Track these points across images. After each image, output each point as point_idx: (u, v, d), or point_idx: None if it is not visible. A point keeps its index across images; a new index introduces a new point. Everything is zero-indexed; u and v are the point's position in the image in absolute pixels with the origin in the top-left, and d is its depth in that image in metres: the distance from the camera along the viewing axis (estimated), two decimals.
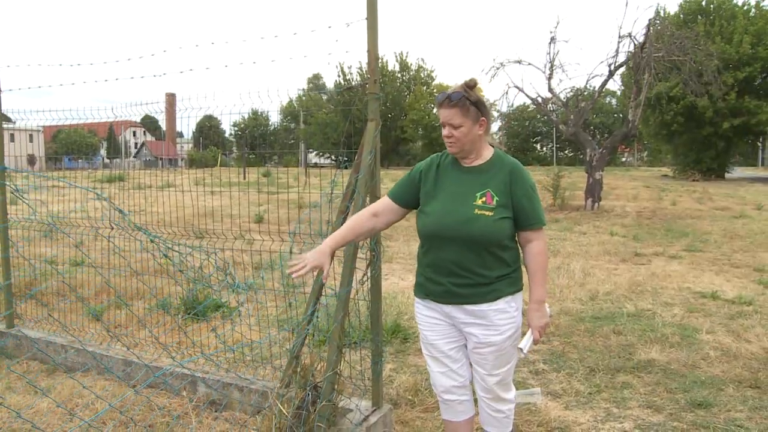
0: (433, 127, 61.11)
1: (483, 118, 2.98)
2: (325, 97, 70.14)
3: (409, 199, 3.19)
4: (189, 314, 6.50)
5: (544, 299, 3.03)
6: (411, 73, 69.39)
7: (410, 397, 4.60)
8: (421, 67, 70.01)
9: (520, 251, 3.09)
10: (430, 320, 3.19)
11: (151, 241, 3.12)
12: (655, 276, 8.93)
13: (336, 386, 3.62)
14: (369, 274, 3.96)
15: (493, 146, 3.11)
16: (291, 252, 3.99)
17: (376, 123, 3.79)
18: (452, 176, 3.08)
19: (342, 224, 3.80)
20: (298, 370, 3.65)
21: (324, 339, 4.70)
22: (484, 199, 2.93)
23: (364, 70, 65.31)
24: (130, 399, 4.60)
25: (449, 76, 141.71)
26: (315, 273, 3.17)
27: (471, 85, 2.96)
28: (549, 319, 3.10)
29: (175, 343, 5.57)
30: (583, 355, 5.54)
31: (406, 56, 71.02)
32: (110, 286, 7.13)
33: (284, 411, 3.40)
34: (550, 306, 3.17)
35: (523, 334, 3.11)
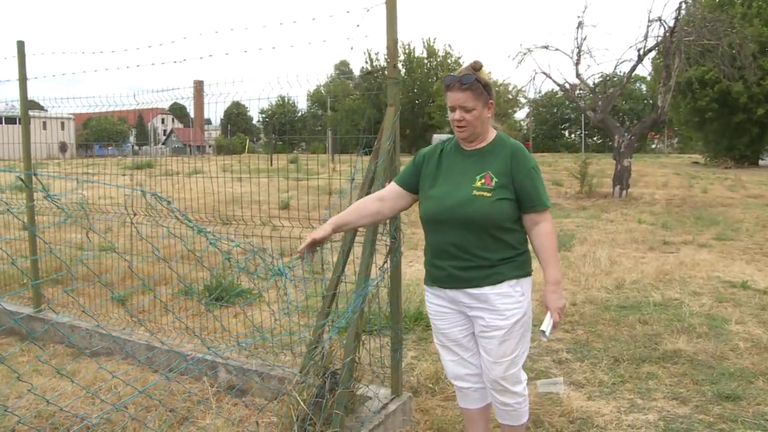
0: None
1: (491, 100, 2.96)
2: (351, 84, 70.10)
3: (412, 183, 3.17)
4: (212, 299, 6.52)
5: (559, 280, 2.98)
6: (438, 59, 69.03)
7: (431, 385, 4.57)
8: (449, 53, 69.66)
9: (527, 236, 3.05)
10: (439, 309, 3.17)
11: (199, 233, 3.04)
12: (684, 265, 8.78)
13: (354, 373, 3.60)
14: (389, 261, 3.92)
15: (496, 129, 3.08)
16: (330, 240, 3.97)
17: (396, 108, 3.73)
18: (454, 161, 3.06)
19: None
20: (318, 356, 3.63)
21: (344, 326, 4.68)
22: (483, 180, 2.91)
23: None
24: (152, 383, 4.62)
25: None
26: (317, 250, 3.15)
27: (477, 68, 2.92)
28: (566, 301, 3.04)
29: (198, 329, 5.60)
30: (607, 345, 5.45)
31: (434, 42, 70.64)
32: (131, 270, 7.18)
33: (299, 398, 3.38)
34: (565, 295, 3.10)
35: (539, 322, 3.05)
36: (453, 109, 2.94)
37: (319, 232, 3.05)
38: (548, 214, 2.99)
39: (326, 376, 3.52)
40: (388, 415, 3.74)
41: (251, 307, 6.37)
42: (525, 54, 20.82)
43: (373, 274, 3.67)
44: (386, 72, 3.78)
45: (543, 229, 2.95)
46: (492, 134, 3.04)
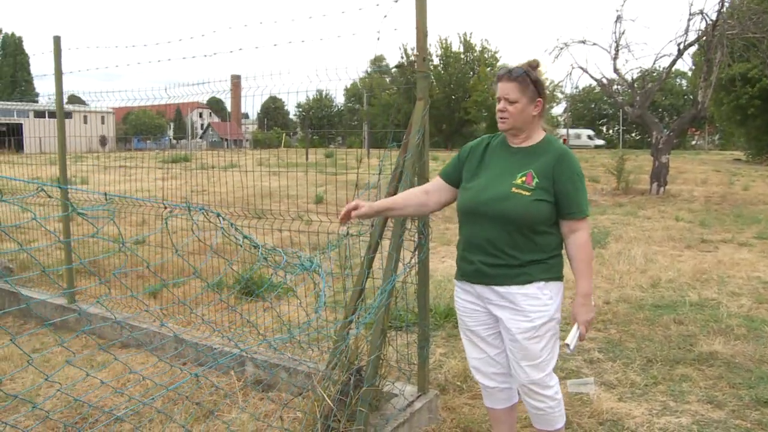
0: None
1: (540, 99, 2.92)
2: (388, 79, 70.03)
3: (456, 177, 3.16)
4: (243, 293, 6.54)
5: (589, 293, 2.91)
6: (475, 54, 68.56)
7: (459, 383, 4.52)
8: (485, 47, 69.08)
9: (563, 242, 2.98)
10: (466, 304, 3.13)
11: (245, 238, 3.00)
12: (722, 264, 8.58)
13: (380, 370, 3.57)
14: (417, 257, 3.88)
15: (545, 131, 3.03)
16: (348, 234, 3.95)
17: (425, 102, 3.69)
18: (499, 156, 3.03)
19: None
20: (344, 352, 3.60)
21: (371, 322, 4.65)
22: (524, 178, 2.87)
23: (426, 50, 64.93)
24: (180, 376, 4.64)
25: (513, 57, 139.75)
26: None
27: (534, 65, 2.91)
28: (595, 314, 2.97)
29: (227, 323, 5.62)
30: (640, 345, 5.34)
31: (470, 37, 70.09)
32: (148, 267, 7.24)
33: (324, 394, 3.35)
34: (595, 298, 3.02)
35: (565, 331, 2.98)
36: (499, 99, 2.94)
37: (363, 208, 3.09)
38: (586, 224, 2.93)
39: (351, 372, 3.49)
40: (414, 413, 3.70)
41: (281, 302, 6.37)
42: (562, 48, 20.54)
43: (400, 269, 3.63)
44: (415, 65, 3.73)
45: (579, 239, 2.90)
46: (540, 135, 3.00)
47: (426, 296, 3.99)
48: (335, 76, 4.03)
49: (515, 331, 2.93)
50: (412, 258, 3.84)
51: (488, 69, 65.46)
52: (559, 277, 2.98)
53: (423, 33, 3.65)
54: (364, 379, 3.41)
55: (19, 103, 62.48)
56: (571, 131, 63.58)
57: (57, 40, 5.77)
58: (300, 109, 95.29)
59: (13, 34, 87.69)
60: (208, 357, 4.70)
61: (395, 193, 3.71)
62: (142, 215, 8.60)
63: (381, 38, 4.00)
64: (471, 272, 3.02)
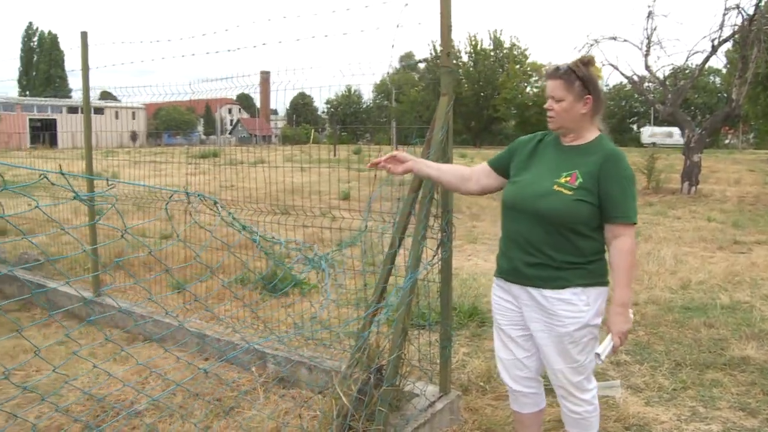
0: (526, 105, 59.84)
1: (589, 96, 2.80)
2: (416, 75, 69.89)
3: (503, 166, 3.11)
4: (267, 290, 6.53)
5: (627, 302, 2.78)
6: (504, 51, 68.17)
7: (482, 384, 4.44)
8: (515, 44, 68.66)
9: (606, 247, 2.86)
10: (501, 302, 3.07)
11: (243, 228, 2.98)
12: (756, 266, 8.38)
13: (401, 370, 3.52)
14: (439, 255, 3.82)
15: (600, 131, 2.91)
16: (366, 229, 3.90)
17: (449, 98, 3.61)
18: (549, 153, 2.95)
19: (412, 202, 3.68)
20: (363, 351, 3.55)
21: (392, 320, 4.60)
22: (568, 178, 2.77)
23: (455, 46, 64.86)
24: (204, 370, 4.62)
25: (543, 54, 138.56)
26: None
27: (585, 62, 2.81)
28: (631, 325, 2.86)
29: (250, 318, 5.60)
30: (669, 348, 5.22)
31: (500, 34, 69.67)
32: (157, 260, 7.25)
33: (342, 393, 3.30)
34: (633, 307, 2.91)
35: (599, 339, 2.88)
36: (547, 98, 2.88)
37: (403, 164, 3.18)
38: (632, 230, 2.78)
39: (371, 371, 3.44)
40: (435, 414, 3.64)
41: (306, 298, 6.34)
42: (592, 45, 20.30)
43: (420, 267, 3.57)
44: (439, 60, 3.66)
45: (623, 245, 2.75)
46: (593, 134, 2.88)
47: (449, 295, 3.92)
48: (364, 70, 3.98)
49: (548, 336, 2.86)
50: (434, 255, 3.78)
51: (517, 66, 65.10)
52: (599, 282, 2.85)
53: (447, 27, 3.57)
54: (384, 379, 3.36)
55: (53, 99, 63.41)
56: (659, 129, 61.92)
57: (84, 36, 5.79)
58: (329, 106, 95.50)
59: (49, 32, 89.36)
60: (230, 352, 4.69)
61: (418, 189, 3.66)
62: (167, 209, 8.62)
63: (407, 33, 3.95)
64: (508, 270, 2.96)
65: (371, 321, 3.63)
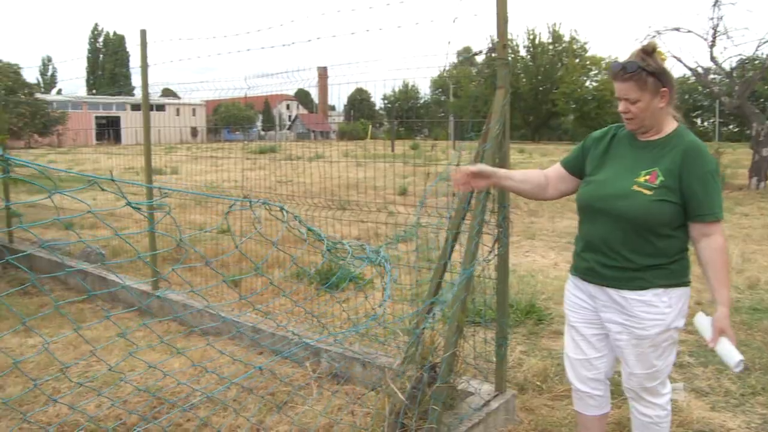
0: (585, 100, 58.79)
1: (664, 88, 2.63)
2: (474, 70, 69.34)
3: (576, 165, 2.97)
4: (323, 285, 6.54)
5: (728, 303, 2.62)
6: (563, 45, 67.09)
7: (539, 383, 4.34)
8: (574, 38, 67.46)
9: (690, 245, 2.72)
10: (576, 300, 2.96)
11: (309, 230, 2.97)
12: None
13: (455, 367, 3.46)
14: (496, 250, 3.74)
15: (677, 120, 2.75)
16: (419, 224, 3.85)
17: (505, 91, 3.54)
18: (624, 149, 2.80)
19: (468, 199, 3.61)
20: (419, 348, 3.51)
21: (447, 317, 4.55)
22: (648, 177, 2.63)
23: (513, 41, 64.23)
24: (257, 365, 4.65)
25: (603, 47, 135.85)
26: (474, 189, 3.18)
27: (649, 51, 2.61)
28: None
29: (305, 313, 5.61)
30: None
31: (559, 27, 68.59)
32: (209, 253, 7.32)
33: (397, 390, 3.26)
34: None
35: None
36: (619, 99, 2.69)
37: (483, 177, 3.00)
38: (719, 227, 2.62)
39: (425, 368, 3.39)
40: (490, 413, 3.57)
41: (362, 293, 6.33)
42: (654, 37, 19.72)
43: (475, 263, 3.50)
44: (495, 53, 3.59)
45: (714, 243, 2.60)
46: (671, 126, 2.72)
47: (505, 291, 3.85)
48: (420, 64, 3.94)
49: (627, 338, 2.73)
50: (490, 252, 3.71)
51: (577, 60, 64.01)
52: (682, 283, 2.71)
53: (503, 19, 3.50)
54: (438, 376, 3.31)
55: (118, 97, 65.10)
56: None
57: (143, 34, 5.89)
58: (386, 101, 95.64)
59: (114, 33, 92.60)
60: (285, 346, 4.71)
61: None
62: (227, 218, 8.73)
63: (463, 27, 3.88)
64: (584, 270, 2.86)
65: (425, 318, 3.58)
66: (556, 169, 3.05)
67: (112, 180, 1.69)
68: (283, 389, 4.24)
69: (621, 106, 2.68)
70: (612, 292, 2.74)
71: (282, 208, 2.31)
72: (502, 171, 3.10)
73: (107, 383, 4.29)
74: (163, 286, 6.51)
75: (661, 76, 2.61)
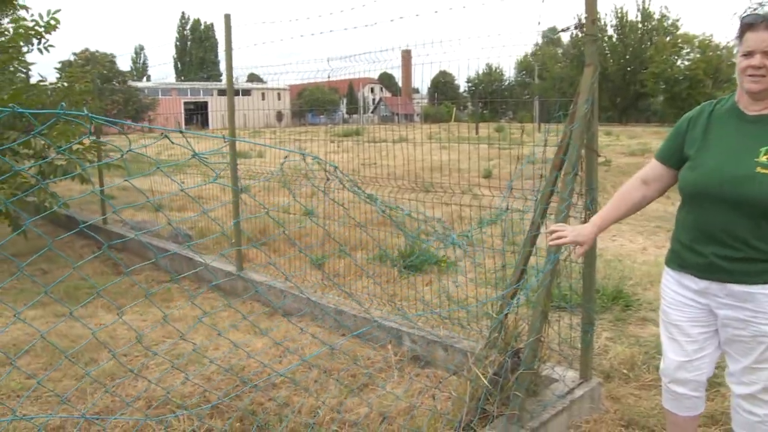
0: (675, 80, 56.57)
1: None
2: (560, 51, 67.88)
3: (675, 155, 2.68)
4: (405, 267, 6.53)
5: None
6: (653, 23, 64.75)
7: (625, 371, 4.21)
8: (665, 15, 64.99)
9: None
10: (680, 298, 2.69)
11: (368, 200, 3.02)
12: None
13: (539, 354, 3.38)
14: None
15: None
16: (508, 209, 3.78)
17: (594, 68, 3.40)
18: (729, 126, 2.54)
19: (555, 180, 3.51)
20: (502, 333, 3.45)
21: (531, 302, 4.46)
22: None
23: (602, 19, 62.33)
24: (337, 347, 4.68)
25: (695, 25, 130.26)
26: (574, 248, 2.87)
27: None
28: None
29: (387, 296, 5.61)
30: None
31: (648, 5, 66.18)
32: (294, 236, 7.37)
33: (480, 375, 3.21)
34: None
35: None
36: (751, 54, 2.40)
37: (578, 238, 2.77)
38: None
39: (508, 354, 3.32)
40: (574, 401, 3.48)
41: (444, 276, 6.29)
42: (755, 10, 18.81)
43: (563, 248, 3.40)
44: (584, 29, 3.46)
45: None
46: None
47: (592, 276, 3.73)
48: (505, 42, 3.85)
49: (749, 335, 2.51)
50: None
51: (667, 39, 61.65)
52: None
53: None
54: (522, 362, 3.24)
55: (205, 82, 66.86)
56: None
57: (227, 18, 5.97)
58: (469, 84, 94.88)
59: (205, 22, 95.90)
60: (365, 330, 4.72)
61: (561, 165, 3.47)
62: (312, 187, 8.82)
63: (550, 4, 3.76)
64: (701, 266, 2.57)
65: (509, 302, 3.51)
66: (654, 169, 2.78)
67: (181, 132, 1.70)
68: (363, 371, 4.25)
69: (755, 60, 2.38)
70: (736, 287, 2.50)
71: (335, 167, 2.31)
72: (600, 222, 2.82)
73: (192, 361, 4.40)
74: (247, 267, 6.63)
75: None
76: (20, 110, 1.44)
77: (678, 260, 2.70)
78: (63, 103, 1.83)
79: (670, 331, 2.78)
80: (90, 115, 1.61)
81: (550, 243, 2.82)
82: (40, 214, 7.07)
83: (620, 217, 2.83)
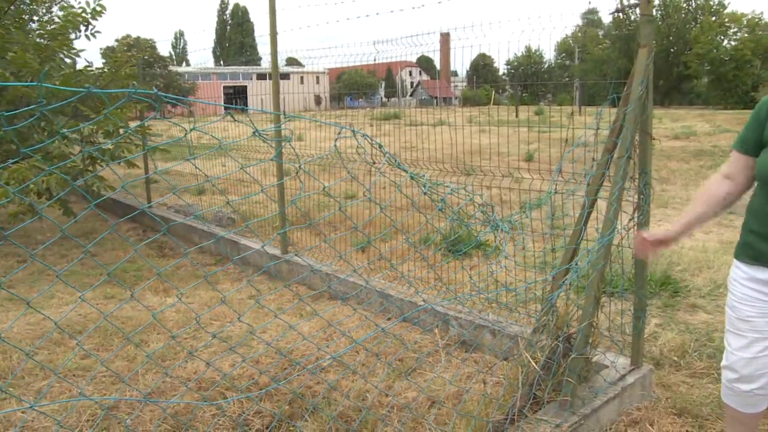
0: (721, 61, 55.23)
1: None
2: (601, 33, 66.81)
3: (757, 142, 2.50)
4: (450, 251, 6.51)
5: None
6: (698, 2, 63.22)
7: (676, 359, 4.14)
8: None
9: None
10: (752, 293, 2.54)
11: (412, 178, 3.04)
12: None
13: (590, 340, 3.34)
14: (636, 219, 3.57)
15: None
16: (555, 191, 3.73)
17: (649, 49, 3.33)
18: None
19: (606, 163, 3.45)
20: (552, 318, 3.41)
21: (583, 286, 4.40)
22: None
23: None
24: (387, 330, 4.69)
25: (743, 3, 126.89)
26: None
27: None
28: None
29: (433, 279, 5.60)
30: None
31: None
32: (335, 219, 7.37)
33: (533, 361, 3.19)
34: None
35: None
36: None
37: (668, 234, 2.70)
38: None
39: (560, 339, 3.29)
40: (625, 388, 3.43)
41: (489, 260, 6.26)
42: None
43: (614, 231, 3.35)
44: (638, 9, 3.38)
45: None
46: None
47: (644, 262, 3.66)
48: (546, 24, 3.79)
49: None
50: (630, 220, 3.53)
51: (713, 18, 60.17)
52: None
53: None
54: (573, 348, 3.21)
55: (244, 66, 67.24)
56: None
57: (272, 1, 5.96)
58: (509, 67, 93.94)
59: (237, 5, 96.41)
60: (412, 312, 4.72)
61: (613, 149, 3.41)
62: (354, 171, 8.82)
63: None
64: None
65: (559, 285, 3.47)
66: (735, 161, 2.61)
67: (243, 109, 1.72)
68: (411, 355, 4.25)
69: None
70: None
71: (380, 145, 2.35)
72: (687, 223, 2.70)
73: (240, 345, 4.45)
74: (291, 250, 6.67)
75: None
76: (96, 90, 1.46)
77: (751, 252, 2.54)
78: (135, 83, 1.85)
79: (738, 327, 2.62)
80: (159, 93, 1.63)
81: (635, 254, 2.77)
82: (95, 200, 7.19)
83: (703, 218, 2.69)
